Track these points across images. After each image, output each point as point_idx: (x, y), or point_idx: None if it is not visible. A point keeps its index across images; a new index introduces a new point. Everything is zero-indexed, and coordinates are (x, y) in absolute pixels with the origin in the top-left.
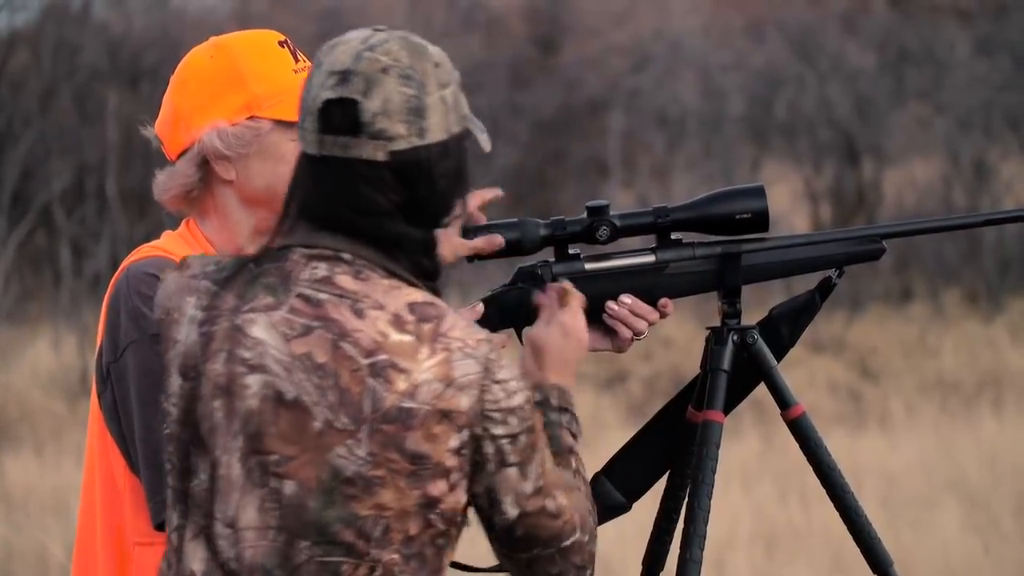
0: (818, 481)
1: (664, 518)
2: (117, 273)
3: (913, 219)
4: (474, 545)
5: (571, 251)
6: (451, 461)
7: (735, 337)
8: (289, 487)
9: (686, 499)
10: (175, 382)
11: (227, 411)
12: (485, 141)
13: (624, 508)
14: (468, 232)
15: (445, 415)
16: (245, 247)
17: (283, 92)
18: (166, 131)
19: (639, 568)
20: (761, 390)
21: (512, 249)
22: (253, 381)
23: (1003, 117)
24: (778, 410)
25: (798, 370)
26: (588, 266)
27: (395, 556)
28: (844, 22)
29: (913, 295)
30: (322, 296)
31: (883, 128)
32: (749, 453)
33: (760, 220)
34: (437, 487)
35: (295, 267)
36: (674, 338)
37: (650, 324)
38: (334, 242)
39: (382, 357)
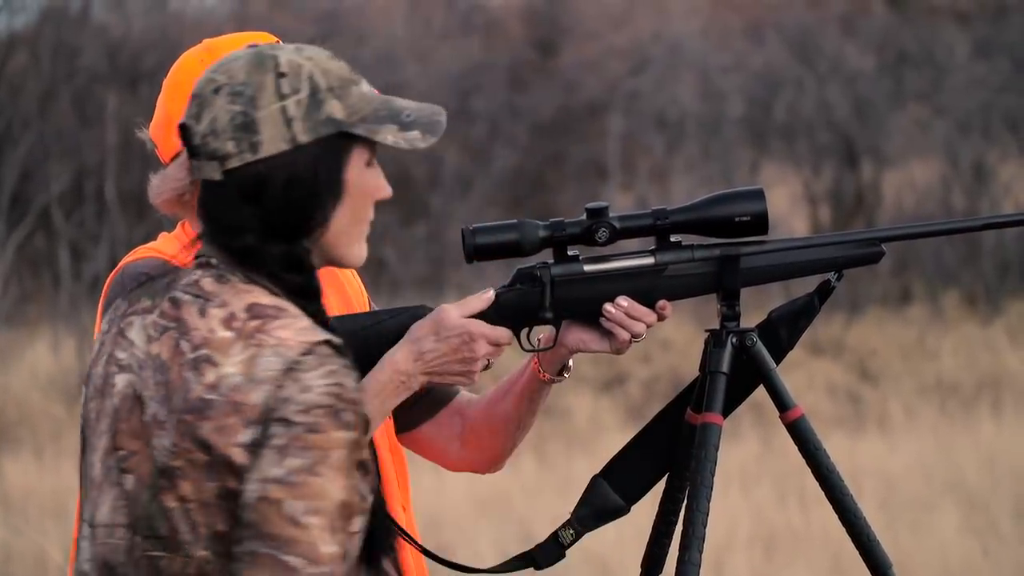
0: (817, 483)
1: (663, 520)
2: (112, 273)
3: (912, 223)
4: (474, 545)
5: (570, 253)
6: (240, 457)
7: (734, 339)
8: (130, 482)
9: (685, 501)
10: (84, 391)
11: (98, 411)
12: (412, 140)
13: (623, 510)
14: (471, 232)
15: (236, 408)
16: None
17: None
18: (159, 134)
19: (638, 570)
20: (760, 392)
21: (511, 250)
22: (120, 380)
23: (1002, 119)
24: (777, 412)
25: (797, 372)
26: (587, 267)
27: (205, 553)
28: (843, 24)
29: (912, 297)
30: (185, 298)
31: (882, 130)
32: (748, 455)
33: (759, 223)
34: (231, 481)
35: (183, 274)
36: (673, 340)
37: (648, 326)
38: (208, 250)
39: (203, 352)
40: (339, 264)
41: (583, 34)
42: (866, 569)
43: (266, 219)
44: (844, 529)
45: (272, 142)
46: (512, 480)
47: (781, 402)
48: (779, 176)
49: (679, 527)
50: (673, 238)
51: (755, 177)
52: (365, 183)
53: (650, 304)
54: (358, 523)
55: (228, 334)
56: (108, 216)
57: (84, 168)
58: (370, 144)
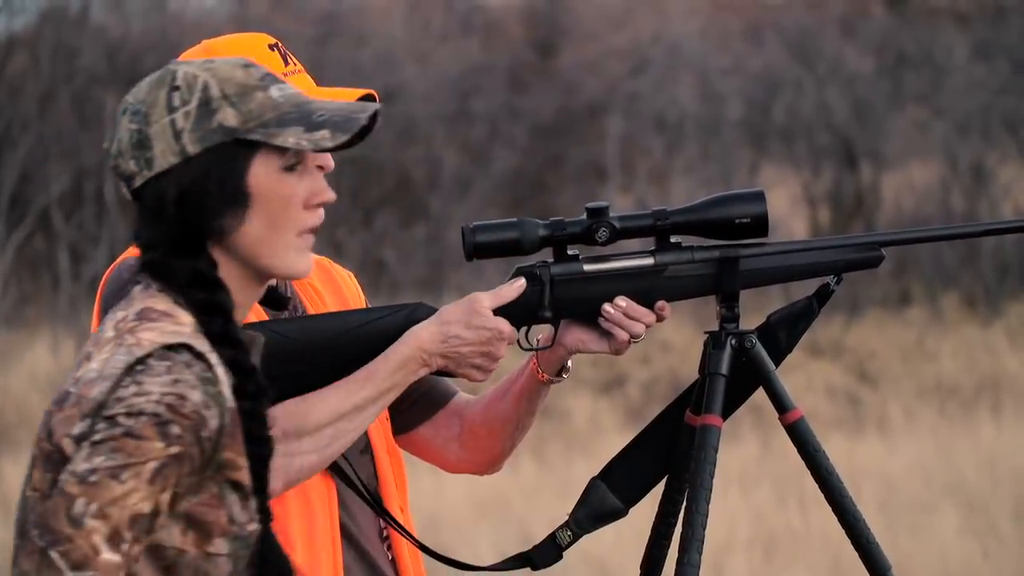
0: (816, 485)
1: (662, 522)
2: (109, 270)
3: (912, 228)
4: (473, 547)
5: (570, 252)
6: (69, 448)
7: (733, 341)
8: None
9: (684, 503)
10: None
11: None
12: (318, 140)
13: (622, 513)
14: (471, 230)
15: (79, 400)
16: None
17: None
18: None
19: (637, 572)
20: (759, 394)
21: (511, 249)
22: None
23: (1001, 121)
24: (776, 414)
25: (796, 374)
26: (587, 267)
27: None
28: (842, 26)
29: (912, 299)
30: (118, 304)
31: (881, 132)
32: (747, 457)
33: (759, 225)
34: (60, 473)
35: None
36: (672, 342)
37: (647, 327)
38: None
39: (88, 349)
40: (275, 275)
41: (582, 35)
42: (865, 571)
43: (170, 234)
44: (843, 531)
45: (163, 156)
46: (511, 481)
47: (780, 404)
48: (778, 178)
49: (678, 529)
50: (673, 239)
51: (754, 179)
52: (278, 189)
53: (649, 305)
54: (220, 545)
55: (111, 334)
56: (107, 217)
57: (83, 169)
58: (283, 149)
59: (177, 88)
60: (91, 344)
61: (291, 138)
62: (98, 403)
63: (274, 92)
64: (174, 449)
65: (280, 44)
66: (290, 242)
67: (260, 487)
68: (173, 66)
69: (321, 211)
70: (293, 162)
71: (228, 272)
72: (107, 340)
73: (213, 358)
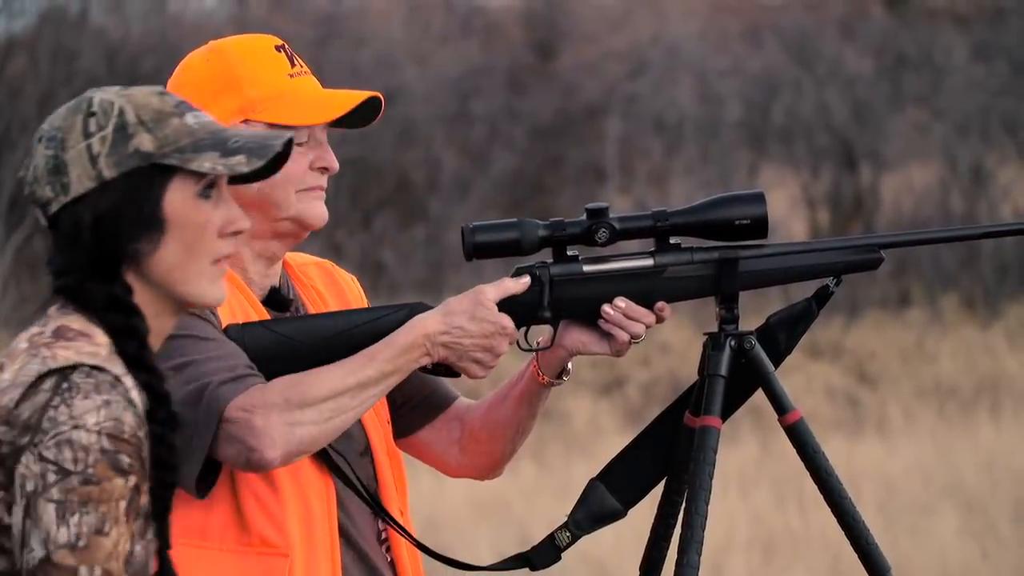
0: (815, 486)
1: (661, 523)
2: None
3: (912, 230)
4: (473, 548)
5: (569, 253)
6: None
7: (732, 343)
8: None
9: (683, 504)
10: None
11: None
12: (234, 164)
13: (620, 514)
14: (470, 230)
15: None
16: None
17: (278, 96)
18: None
19: (636, 573)
20: (759, 396)
21: (511, 249)
22: None
23: (1000, 122)
24: (775, 415)
25: (796, 376)
26: (586, 268)
27: None
28: (841, 27)
29: (911, 300)
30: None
31: (881, 133)
32: (747, 458)
33: (759, 226)
34: None
35: None
36: (672, 344)
37: (647, 327)
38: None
39: (0, 360)
40: (188, 303)
41: (581, 37)
42: (865, 572)
43: (85, 259)
44: (843, 532)
45: (79, 181)
46: (511, 483)
47: (780, 405)
48: (777, 179)
49: (677, 530)
50: (673, 240)
51: (753, 180)
52: (193, 216)
53: (649, 305)
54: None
55: (24, 345)
56: None
57: None
58: (198, 175)
59: (93, 114)
60: (3, 356)
61: (207, 163)
62: (23, 419)
63: (189, 119)
64: (132, 480)
65: (287, 45)
66: (203, 269)
67: (162, 512)
68: (89, 93)
69: (235, 240)
70: (209, 190)
71: (143, 298)
72: (20, 351)
73: (128, 381)
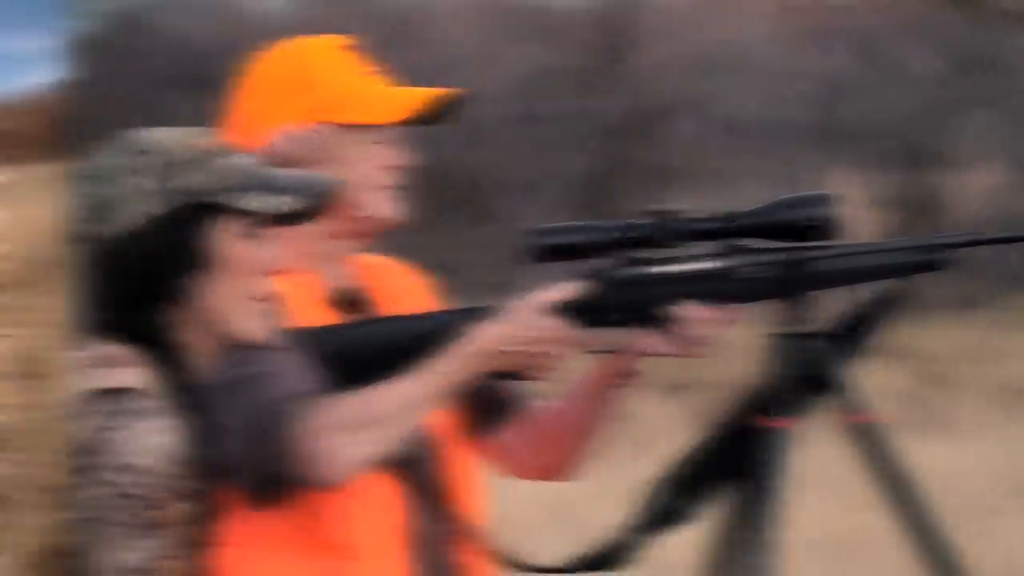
0: (883, 488)
1: (729, 527)
2: None
3: (979, 232)
4: (535, 549)
5: (637, 255)
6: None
7: (800, 344)
8: None
9: (753, 507)
10: None
11: None
12: (281, 202)
13: (686, 518)
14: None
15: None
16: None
17: (350, 96)
18: (233, 136)
19: None
20: (826, 396)
21: (578, 252)
22: None
23: None
24: (844, 416)
25: (863, 376)
26: (654, 270)
27: None
28: (910, 28)
29: (977, 301)
30: None
31: (948, 134)
32: (815, 459)
33: (827, 227)
34: None
35: None
36: (740, 344)
37: (715, 330)
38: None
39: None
40: (230, 339)
41: (650, 39)
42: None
43: (130, 293)
44: (911, 534)
45: (128, 217)
46: (576, 485)
47: (848, 406)
48: (845, 181)
49: (748, 532)
50: (740, 242)
51: (821, 181)
52: (238, 254)
53: (717, 307)
54: None
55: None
56: None
57: None
58: (243, 214)
59: (142, 152)
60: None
61: (254, 202)
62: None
63: (236, 159)
64: (186, 504)
65: (356, 46)
66: (247, 306)
67: (202, 519)
68: (134, 132)
69: (274, 279)
70: (256, 230)
71: (187, 332)
72: (63, 371)
73: (163, 406)
